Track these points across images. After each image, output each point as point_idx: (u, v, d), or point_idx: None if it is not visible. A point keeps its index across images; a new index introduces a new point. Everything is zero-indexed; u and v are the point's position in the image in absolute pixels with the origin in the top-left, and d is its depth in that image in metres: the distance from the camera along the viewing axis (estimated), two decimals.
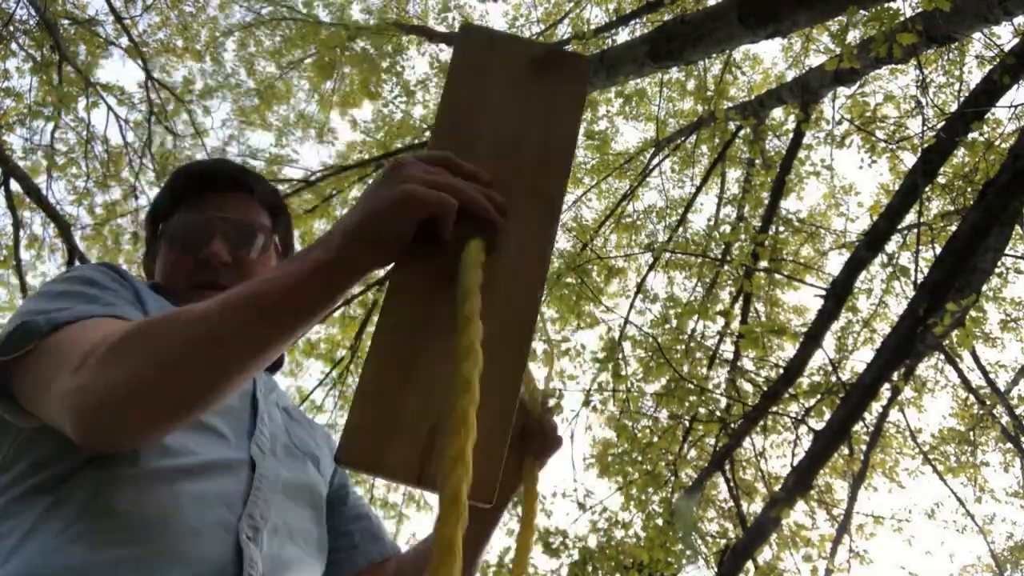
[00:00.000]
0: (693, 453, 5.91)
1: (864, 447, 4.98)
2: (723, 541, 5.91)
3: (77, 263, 5.07)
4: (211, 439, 0.92)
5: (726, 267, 6.35)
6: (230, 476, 0.90)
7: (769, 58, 13.53)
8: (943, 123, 4.55)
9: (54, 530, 0.79)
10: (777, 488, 4.58)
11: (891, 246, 4.96)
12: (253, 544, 0.85)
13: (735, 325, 5.90)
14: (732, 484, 5.47)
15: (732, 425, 5.10)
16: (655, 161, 7.51)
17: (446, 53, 7.98)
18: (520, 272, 0.73)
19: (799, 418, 4.73)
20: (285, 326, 0.74)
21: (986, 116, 4.54)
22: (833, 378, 4.74)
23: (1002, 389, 5.84)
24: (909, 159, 5.45)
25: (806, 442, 4.76)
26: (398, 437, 0.64)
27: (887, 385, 4.35)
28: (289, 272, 0.73)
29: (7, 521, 0.81)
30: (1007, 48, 4.57)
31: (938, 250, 4.59)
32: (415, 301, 0.71)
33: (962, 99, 4.86)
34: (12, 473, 0.86)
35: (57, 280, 0.98)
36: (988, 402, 5.79)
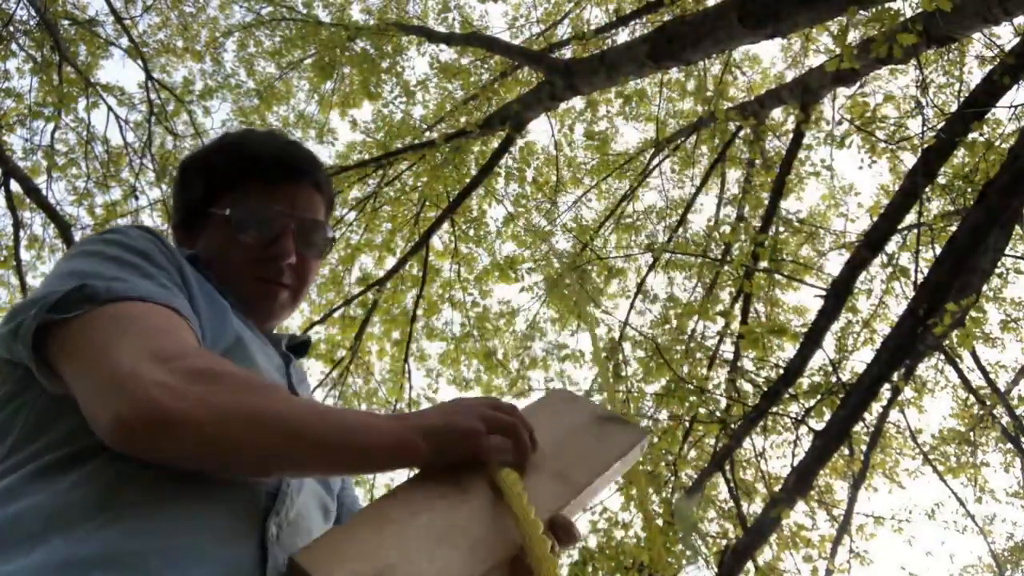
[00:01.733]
0: (693, 453, 5.91)
1: (864, 447, 4.98)
2: (723, 541, 5.91)
3: None
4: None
5: (726, 267, 6.35)
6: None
7: (769, 58, 13.55)
8: (943, 123, 4.55)
9: (79, 515, 0.74)
10: (777, 488, 4.58)
11: (891, 246, 4.96)
12: (277, 545, 0.83)
13: (735, 325, 5.90)
14: (732, 484, 5.46)
15: (732, 425, 5.09)
16: (655, 161, 7.51)
17: (446, 53, 8.00)
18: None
19: (799, 418, 4.73)
20: (342, 467, 0.86)
21: (986, 116, 4.53)
22: (833, 378, 4.73)
23: (1002, 389, 5.84)
24: (909, 159, 5.45)
25: (806, 442, 4.76)
26: (351, 564, 0.75)
27: (887, 385, 4.35)
28: (371, 434, 0.81)
29: (25, 499, 0.76)
30: (1007, 48, 4.57)
31: (938, 250, 4.59)
32: (427, 490, 0.86)
33: (962, 99, 4.85)
34: (34, 446, 0.81)
35: (107, 241, 0.93)
36: (988, 402, 5.79)
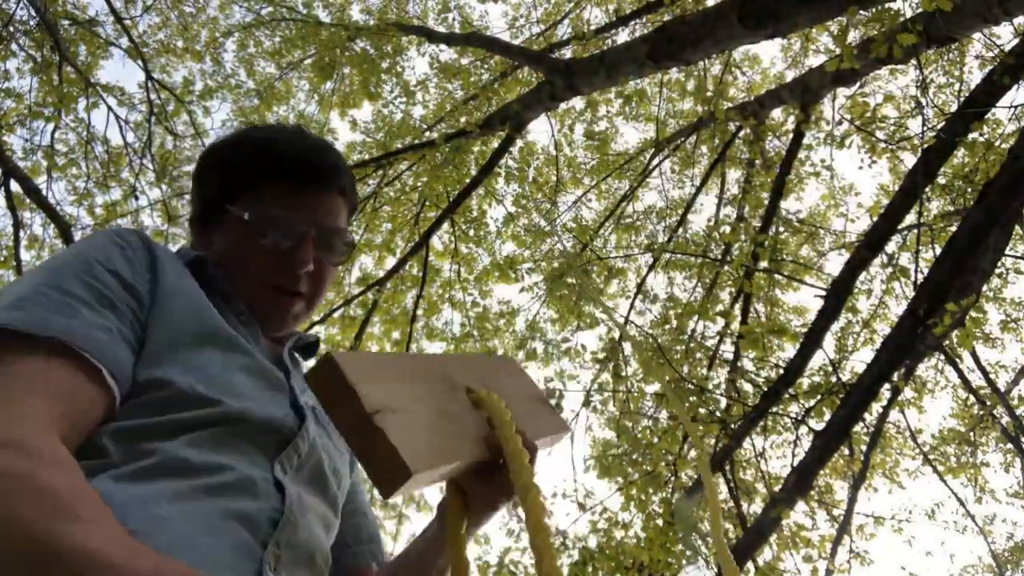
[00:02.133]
0: (693, 453, 5.91)
1: (864, 447, 4.98)
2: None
3: None
4: (236, 455, 0.85)
5: (726, 267, 6.35)
6: (258, 496, 0.83)
7: (768, 58, 13.56)
8: (943, 123, 4.55)
9: None
10: (777, 488, 4.58)
11: (891, 246, 4.96)
12: (273, 574, 0.79)
13: (735, 326, 5.90)
14: (732, 484, 5.47)
15: (732, 425, 5.09)
16: (655, 162, 7.51)
17: (446, 53, 8.00)
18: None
19: (799, 418, 4.73)
20: None
21: (986, 116, 4.53)
22: (833, 378, 4.74)
23: (1002, 389, 5.84)
24: (909, 159, 5.45)
25: (806, 442, 4.76)
26: (368, 386, 0.77)
27: (887, 385, 4.35)
28: None
29: None
30: (1007, 48, 4.57)
31: (938, 250, 4.59)
32: (436, 371, 0.94)
33: (962, 99, 4.85)
34: None
35: (71, 253, 0.88)
36: (988, 402, 5.79)
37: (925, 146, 4.50)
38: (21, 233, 5.66)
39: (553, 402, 5.69)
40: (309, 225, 1.05)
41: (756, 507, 5.70)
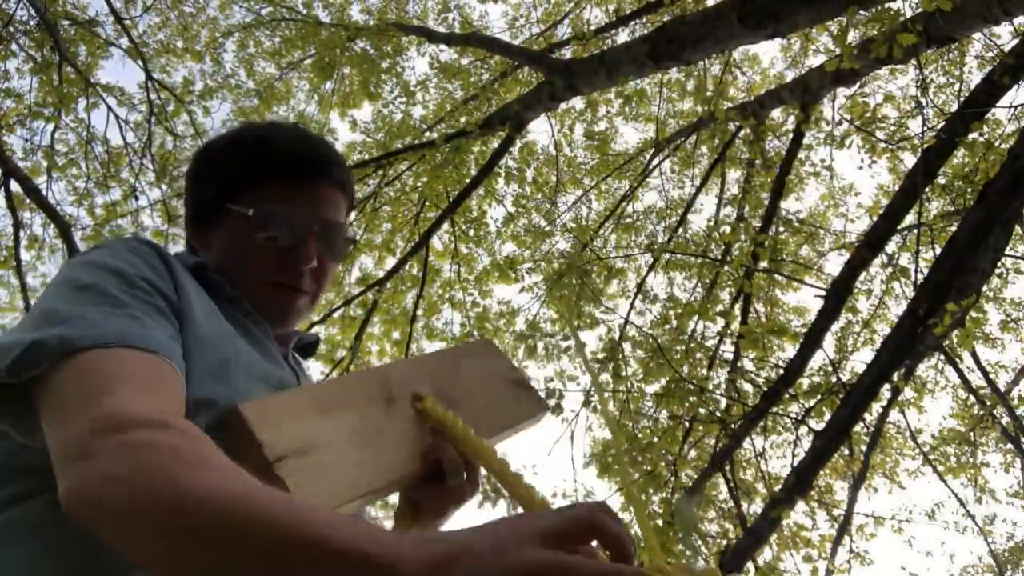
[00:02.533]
0: (693, 453, 5.91)
1: (864, 448, 4.98)
2: (723, 541, 5.91)
3: None
4: None
5: (726, 267, 6.35)
6: None
7: (768, 58, 13.56)
8: (943, 123, 4.55)
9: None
10: (777, 488, 4.58)
11: (891, 246, 4.96)
12: None
13: (735, 326, 5.90)
14: (732, 484, 5.47)
15: (732, 425, 5.09)
16: (655, 162, 7.51)
17: (446, 53, 8.00)
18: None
19: (799, 419, 4.73)
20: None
21: (986, 116, 4.54)
22: (833, 378, 4.74)
23: (1002, 389, 5.84)
24: (909, 159, 5.46)
25: (806, 442, 4.76)
26: (285, 430, 0.80)
27: (887, 386, 4.35)
28: (351, 563, 0.58)
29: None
30: (1007, 48, 4.57)
31: (938, 250, 4.59)
32: (362, 387, 0.92)
33: (962, 99, 4.85)
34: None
35: (86, 263, 0.87)
36: (988, 403, 5.79)
37: (925, 146, 4.50)
38: (21, 233, 5.66)
39: (553, 402, 5.70)
40: (311, 220, 1.04)
41: (756, 507, 5.70)
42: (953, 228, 4.58)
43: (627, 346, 6.42)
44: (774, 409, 4.97)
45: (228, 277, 1.02)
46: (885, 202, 5.22)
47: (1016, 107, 4.46)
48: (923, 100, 4.92)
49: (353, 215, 7.06)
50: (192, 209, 1.11)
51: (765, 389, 5.14)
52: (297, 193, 1.05)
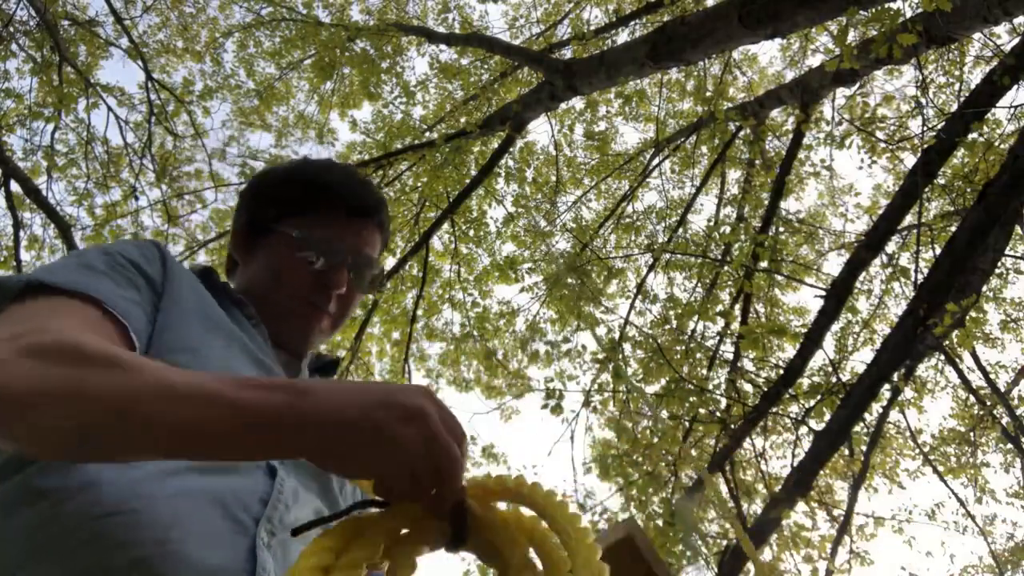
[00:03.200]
0: (693, 454, 5.91)
1: (864, 447, 4.98)
2: (723, 542, 5.91)
3: None
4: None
5: (726, 268, 6.35)
6: (247, 476, 0.83)
7: (767, 58, 13.56)
8: (943, 123, 4.55)
9: (22, 531, 0.73)
10: (777, 488, 4.58)
11: (891, 247, 4.96)
12: (267, 551, 0.78)
13: (735, 326, 5.90)
14: (732, 485, 5.47)
15: (732, 426, 5.09)
16: (655, 162, 7.51)
17: (446, 54, 8.00)
18: None
19: (799, 419, 4.73)
20: (182, 455, 0.67)
21: (986, 116, 4.54)
22: (833, 379, 4.74)
23: (1002, 389, 5.84)
24: (909, 160, 5.46)
25: (806, 443, 4.76)
26: None
27: (887, 386, 4.35)
28: (228, 419, 0.65)
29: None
30: (1007, 48, 4.57)
31: (938, 251, 4.59)
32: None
33: (962, 99, 4.86)
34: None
35: (89, 247, 0.96)
36: (988, 403, 5.79)
37: (925, 146, 4.50)
38: (21, 233, 5.67)
39: (553, 402, 5.70)
40: (348, 252, 1.14)
41: (756, 507, 5.70)
42: (953, 228, 4.58)
43: (627, 346, 6.43)
44: (774, 409, 4.97)
45: (261, 288, 1.11)
46: (883, 202, 5.22)
47: (1016, 107, 4.47)
48: (923, 100, 4.92)
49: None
50: (241, 224, 1.20)
51: (765, 389, 5.14)
52: (341, 226, 1.15)
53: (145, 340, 0.88)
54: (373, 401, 0.66)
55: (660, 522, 4.98)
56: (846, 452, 5.06)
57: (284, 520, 0.83)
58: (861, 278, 5.16)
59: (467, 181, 6.88)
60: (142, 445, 0.66)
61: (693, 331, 6.47)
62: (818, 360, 4.97)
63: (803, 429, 4.83)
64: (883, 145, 5.26)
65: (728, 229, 6.72)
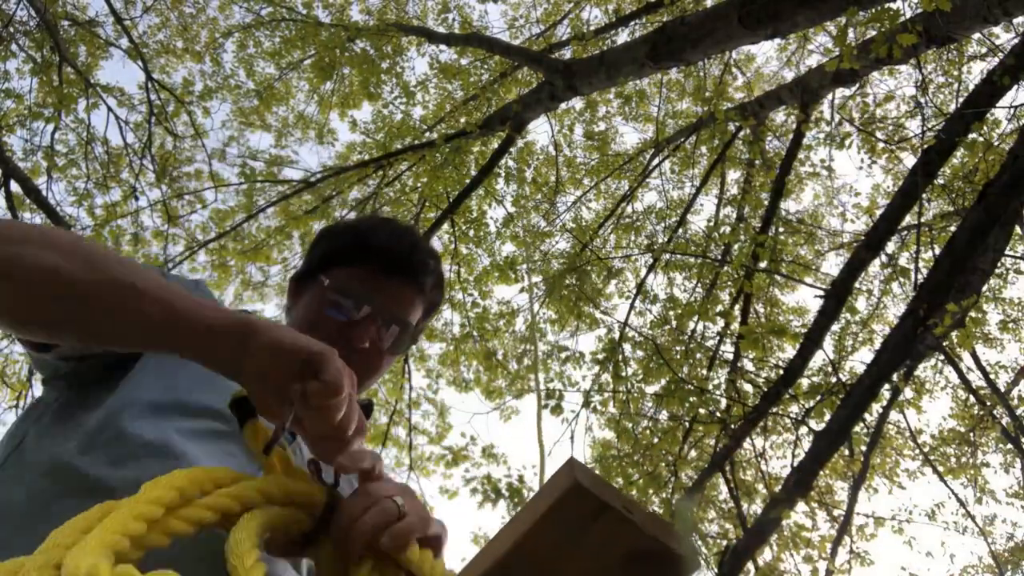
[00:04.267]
0: (693, 454, 5.91)
1: (864, 448, 4.98)
2: (723, 542, 5.91)
3: None
4: (221, 454, 0.89)
5: (726, 268, 6.34)
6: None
7: (765, 58, 13.55)
8: (943, 123, 4.55)
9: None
10: (777, 488, 4.58)
11: (890, 247, 4.96)
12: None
13: (735, 326, 5.90)
14: (732, 485, 5.46)
15: (732, 426, 5.09)
16: (655, 162, 7.51)
17: (446, 54, 8.00)
18: None
19: (799, 419, 4.72)
20: (106, 331, 0.80)
21: (986, 116, 4.53)
22: (833, 379, 4.73)
23: (1002, 390, 5.83)
24: (909, 160, 5.46)
25: (806, 443, 4.76)
26: None
27: (887, 386, 4.35)
28: (187, 307, 0.79)
29: None
30: (1007, 48, 4.57)
31: (938, 251, 4.59)
32: None
33: (962, 99, 4.85)
34: None
35: None
36: (988, 403, 5.79)
37: (925, 146, 4.50)
38: None
39: (553, 402, 5.70)
40: (377, 309, 1.13)
41: (756, 507, 5.69)
42: (953, 228, 4.58)
43: (627, 347, 6.42)
44: (774, 409, 4.97)
45: None
46: (882, 202, 5.22)
47: (1016, 107, 4.47)
48: (923, 100, 4.92)
49: (353, 216, 7.06)
50: (298, 271, 1.24)
51: (765, 389, 5.14)
52: (377, 283, 1.14)
53: None
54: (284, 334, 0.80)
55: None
56: (846, 452, 5.06)
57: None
58: (861, 278, 5.16)
59: (467, 181, 6.88)
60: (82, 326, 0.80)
61: (693, 331, 6.46)
62: (818, 360, 4.97)
63: (803, 429, 4.83)
64: (883, 145, 5.26)
65: (728, 229, 6.71)
